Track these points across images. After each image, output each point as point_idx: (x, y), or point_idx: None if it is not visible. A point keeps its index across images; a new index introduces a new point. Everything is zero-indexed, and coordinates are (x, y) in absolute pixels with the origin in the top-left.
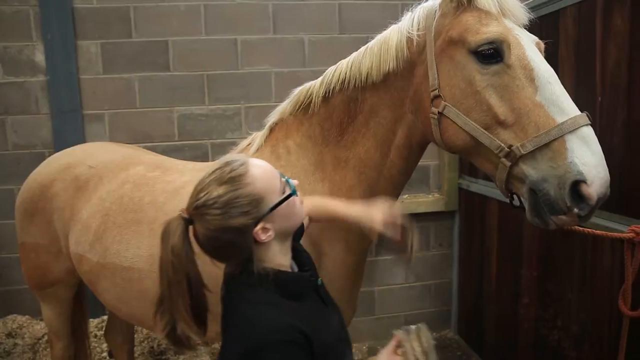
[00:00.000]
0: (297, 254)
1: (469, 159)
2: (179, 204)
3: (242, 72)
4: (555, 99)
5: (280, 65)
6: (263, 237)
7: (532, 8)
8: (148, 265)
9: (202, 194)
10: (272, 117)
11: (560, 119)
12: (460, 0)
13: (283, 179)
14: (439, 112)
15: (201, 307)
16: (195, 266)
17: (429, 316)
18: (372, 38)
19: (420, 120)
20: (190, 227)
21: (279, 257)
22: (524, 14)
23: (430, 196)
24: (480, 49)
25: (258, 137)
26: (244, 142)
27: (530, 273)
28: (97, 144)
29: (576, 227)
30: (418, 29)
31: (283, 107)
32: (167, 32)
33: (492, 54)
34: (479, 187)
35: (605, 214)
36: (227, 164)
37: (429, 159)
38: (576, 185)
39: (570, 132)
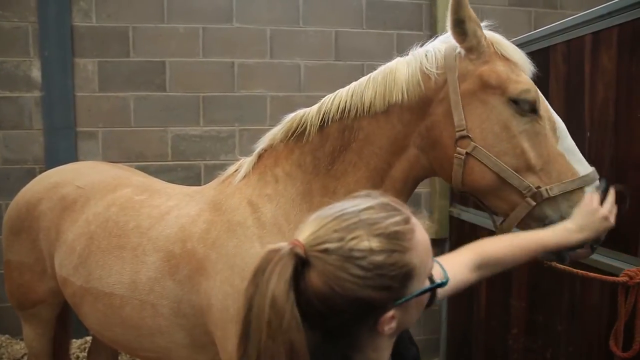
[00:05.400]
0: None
1: (480, 197)
2: (163, 229)
3: (238, 95)
4: (572, 150)
5: (276, 89)
6: (386, 327)
7: (524, 44)
8: (129, 292)
9: (349, 236)
10: (261, 144)
11: (580, 170)
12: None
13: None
14: (466, 153)
15: None
16: (301, 334)
17: (418, 344)
18: (367, 66)
19: (434, 157)
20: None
21: (381, 356)
22: (530, 67)
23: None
24: (520, 97)
25: (246, 163)
26: (231, 168)
27: (520, 304)
28: (89, 163)
29: (569, 268)
30: (437, 67)
31: (273, 134)
32: (165, 53)
33: (528, 103)
34: (469, 215)
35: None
36: (385, 206)
37: (420, 186)
38: None
39: (589, 185)
